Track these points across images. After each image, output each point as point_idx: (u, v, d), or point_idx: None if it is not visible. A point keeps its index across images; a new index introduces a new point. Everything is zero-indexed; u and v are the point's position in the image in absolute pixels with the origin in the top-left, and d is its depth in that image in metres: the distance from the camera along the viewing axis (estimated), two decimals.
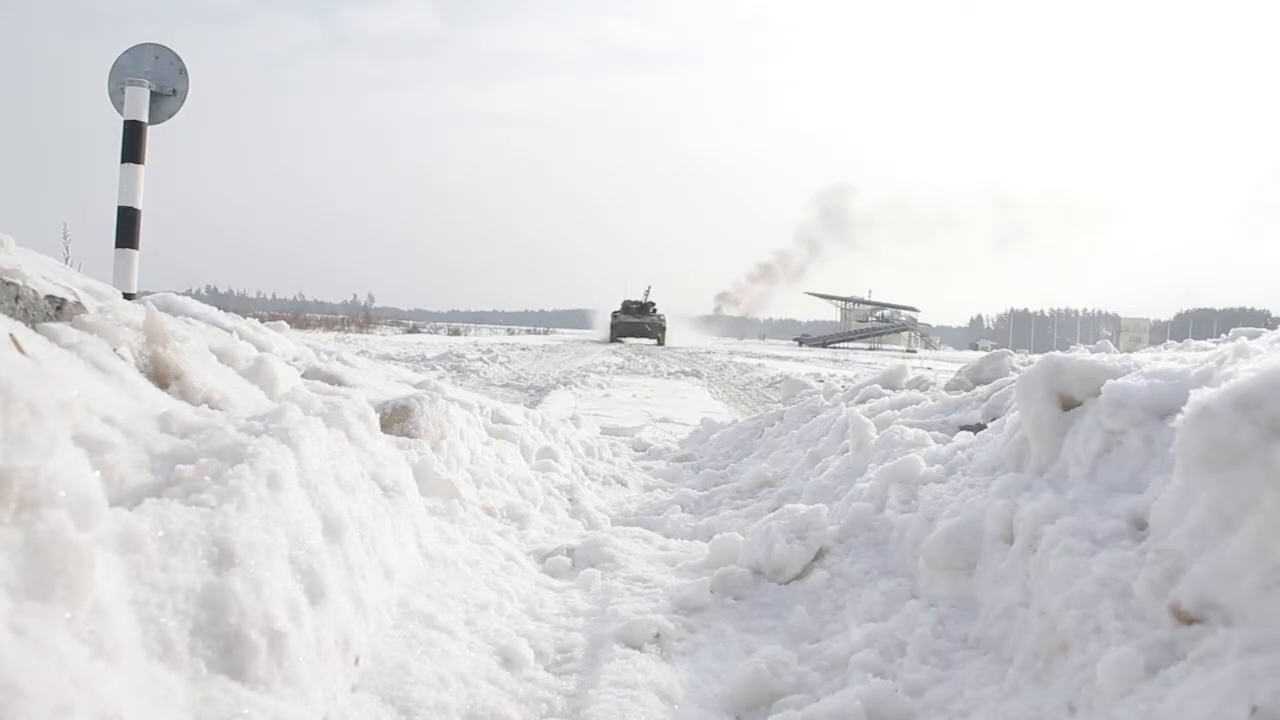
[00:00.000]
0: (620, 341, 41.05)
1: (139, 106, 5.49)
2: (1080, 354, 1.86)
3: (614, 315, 47.62)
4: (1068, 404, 1.80)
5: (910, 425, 3.01)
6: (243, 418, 1.62)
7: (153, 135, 5.58)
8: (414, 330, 37.70)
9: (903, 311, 66.87)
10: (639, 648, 1.85)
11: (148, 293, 4.27)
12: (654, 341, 43.63)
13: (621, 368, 16.03)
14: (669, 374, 15.19)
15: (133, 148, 5.47)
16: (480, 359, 15.02)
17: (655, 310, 49.15)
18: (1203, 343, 3.30)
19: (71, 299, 1.92)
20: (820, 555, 2.25)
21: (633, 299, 50.00)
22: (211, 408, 1.88)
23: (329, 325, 32.96)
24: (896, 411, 3.44)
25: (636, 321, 46.24)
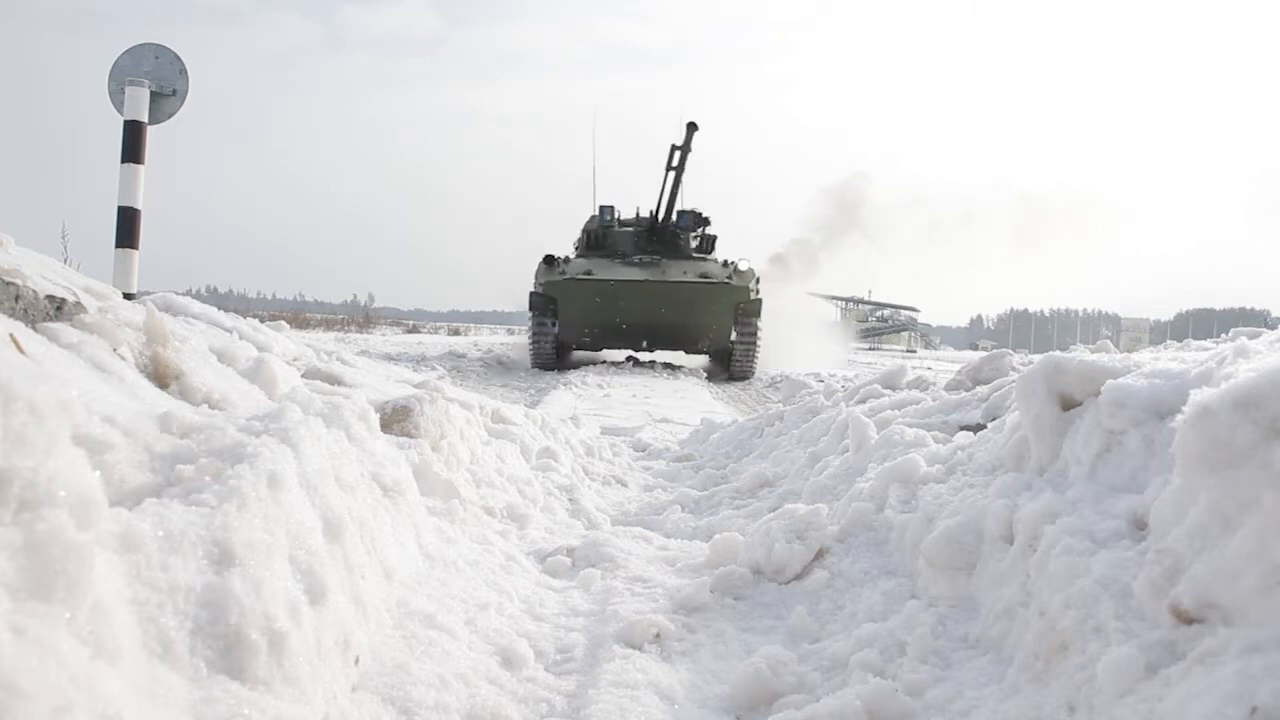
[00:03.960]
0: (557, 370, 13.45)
1: (139, 106, 5.50)
2: (1080, 354, 1.86)
3: (548, 265, 14.11)
4: (1068, 404, 1.80)
5: (910, 425, 3.01)
6: (243, 418, 1.61)
7: (153, 135, 5.58)
8: (414, 330, 37.64)
9: (903, 311, 66.77)
10: (639, 648, 1.85)
11: (148, 293, 4.27)
12: (701, 354, 15.22)
13: (621, 366, 15.88)
14: (669, 374, 15.17)
15: (133, 148, 5.48)
16: (481, 359, 15.02)
17: (704, 238, 16.25)
18: (1203, 343, 3.30)
19: (71, 299, 1.92)
20: (820, 555, 2.25)
21: (625, 216, 16.58)
22: (211, 408, 1.88)
23: (329, 325, 32.91)
24: (896, 411, 3.44)
25: (649, 284, 13.66)
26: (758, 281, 14.64)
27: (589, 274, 13.93)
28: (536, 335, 13.96)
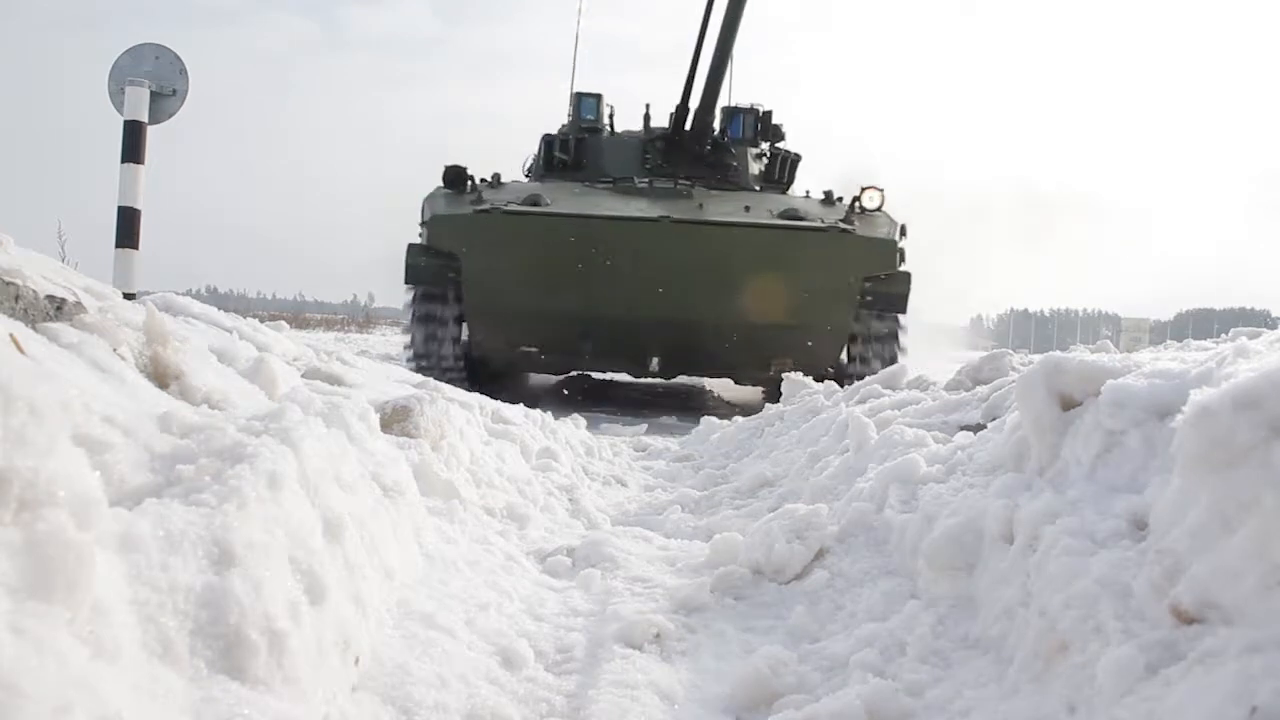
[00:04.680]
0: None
1: (139, 106, 5.50)
2: (1080, 354, 1.86)
3: (450, 190, 6.71)
4: (1068, 404, 1.80)
5: (910, 425, 3.01)
6: (243, 418, 1.61)
7: (153, 135, 5.58)
8: None
9: None
10: (639, 648, 1.85)
11: (148, 293, 4.28)
12: (767, 381, 6.96)
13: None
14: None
15: (133, 148, 5.49)
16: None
17: (778, 158, 8.27)
18: (1203, 343, 3.30)
19: (71, 299, 1.92)
20: (820, 555, 2.25)
21: (625, 126, 8.45)
22: (211, 408, 1.88)
23: (329, 325, 32.88)
24: (896, 411, 3.44)
25: (672, 227, 6.12)
26: (904, 234, 7.22)
27: (534, 202, 6.68)
28: (421, 345, 7.12)
